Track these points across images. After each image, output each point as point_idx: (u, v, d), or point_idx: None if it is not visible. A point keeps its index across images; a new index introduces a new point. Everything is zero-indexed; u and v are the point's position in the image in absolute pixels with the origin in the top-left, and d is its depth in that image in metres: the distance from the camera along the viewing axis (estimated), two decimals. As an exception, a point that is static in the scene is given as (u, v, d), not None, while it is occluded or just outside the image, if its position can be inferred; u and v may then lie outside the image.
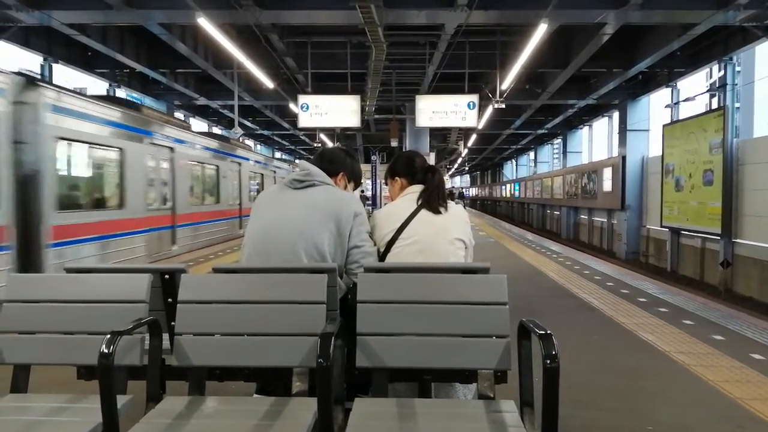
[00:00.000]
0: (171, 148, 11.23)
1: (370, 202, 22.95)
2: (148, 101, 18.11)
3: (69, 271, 2.52)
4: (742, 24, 10.55)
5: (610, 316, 5.87)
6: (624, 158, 18.17)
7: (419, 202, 2.74)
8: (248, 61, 11.98)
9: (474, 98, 13.83)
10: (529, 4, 10.17)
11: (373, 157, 24.64)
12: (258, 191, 17.83)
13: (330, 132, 23.17)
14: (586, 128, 26.54)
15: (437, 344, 2.21)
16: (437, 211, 2.72)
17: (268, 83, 14.05)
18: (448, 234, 2.71)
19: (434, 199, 2.74)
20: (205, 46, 13.95)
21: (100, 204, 8.79)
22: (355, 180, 2.96)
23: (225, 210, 14.95)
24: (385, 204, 3.04)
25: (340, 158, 2.90)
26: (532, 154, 38.98)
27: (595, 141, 26.21)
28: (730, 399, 3.53)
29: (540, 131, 27.43)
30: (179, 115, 21.38)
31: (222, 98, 18.87)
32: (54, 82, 11.82)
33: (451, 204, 2.80)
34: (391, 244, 2.69)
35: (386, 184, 3.08)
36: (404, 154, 3.11)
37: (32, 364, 2.36)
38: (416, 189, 2.84)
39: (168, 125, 11.46)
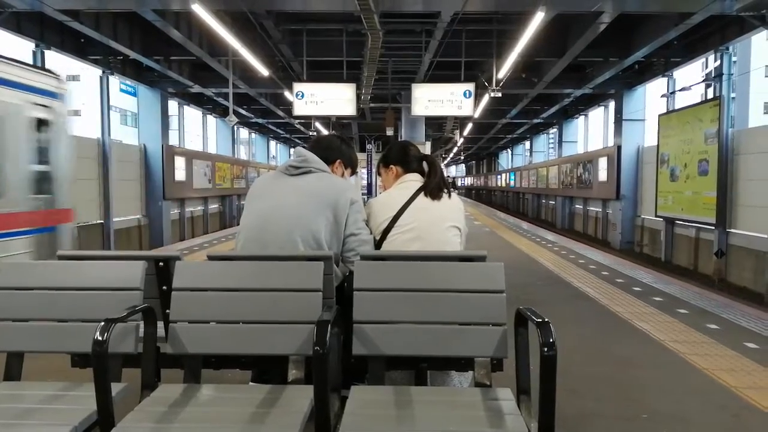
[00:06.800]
0: None
1: (365, 190, 22.87)
2: (141, 88, 17.96)
3: (62, 257, 2.49)
4: (739, 13, 10.50)
5: (605, 304, 5.89)
6: (619, 148, 18.14)
7: (419, 191, 2.72)
8: (243, 48, 11.86)
9: (470, 87, 13.77)
10: (527, -9, 10.10)
11: (368, 146, 24.54)
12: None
13: (325, 120, 23.03)
14: (581, 118, 26.47)
15: (434, 332, 2.21)
16: (437, 197, 2.70)
17: (263, 71, 13.92)
18: (444, 221, 2.69)
19: (436, 189, 2.73)
20: (199, 33, 13.77)
21: None
22: (352, 167, 2.94)
23: None
24: (381, 193, 3.02)
25: (336, 145, 2.88)
26: (527, 143, 38.89)
27: (590, 131, 26.19)
28: (725, 387, 3.55)
29: (536, 121, 27.36)
30: (173, 104, 21.11)
31: (217, 86, 18.67)
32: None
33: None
34: (386, 232, 2.68)
35: (379, 174, 3.05)
36: (397, 143, 3.10)
37: (25, 351, 2.34)
38: (412, 178, 2.81)
39: None
